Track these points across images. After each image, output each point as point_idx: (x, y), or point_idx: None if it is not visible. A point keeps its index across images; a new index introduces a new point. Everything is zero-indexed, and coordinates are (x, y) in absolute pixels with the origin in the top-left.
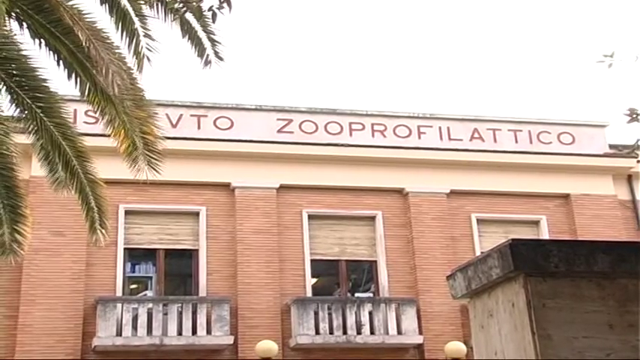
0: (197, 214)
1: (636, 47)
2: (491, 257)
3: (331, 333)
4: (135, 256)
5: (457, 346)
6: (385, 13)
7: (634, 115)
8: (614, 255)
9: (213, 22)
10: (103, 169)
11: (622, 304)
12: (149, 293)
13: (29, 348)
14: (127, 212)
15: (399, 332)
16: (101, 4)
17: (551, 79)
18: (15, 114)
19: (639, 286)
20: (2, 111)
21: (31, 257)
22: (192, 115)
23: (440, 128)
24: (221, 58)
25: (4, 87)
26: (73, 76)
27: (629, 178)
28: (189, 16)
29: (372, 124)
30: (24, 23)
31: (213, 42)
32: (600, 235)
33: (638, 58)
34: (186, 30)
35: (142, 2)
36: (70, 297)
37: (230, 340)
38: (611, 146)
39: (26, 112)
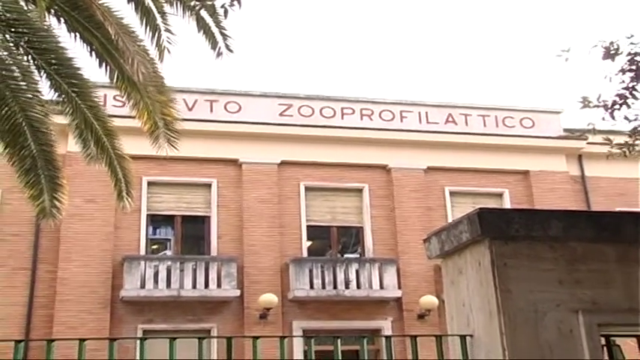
0: (209, 185)
1: (589, 43)
2: (461, 223)
3: (323, 288)
4: (156, 221)
5: (430, 299)
6: (371, 13)
7: (586, 103)
8: (565, 222)
9: (225, 17)
10: (129, 145)
11: (570, 263)
12: (168, 253)
13: (67, 298)
14: (150, 183)
15: (381, 287)
16: (128, 3)
17: (515, 71)
18: (53, 98)
19: (585, 249)
20: (43, 95)
21: (67, 221)
22: (205, 100)
23: (419, 113)
24: (231, 50)
25: (45, 74)
26: (104, 65)
27: (580, 158)
28: (203, 12)
29: (361, 109)
30: (61, 19)
31: (224, 36)
32: (554, 206)
33: (590, 53)
34: (201, 25)
35: (163, 0)
36: (100, 255)
37: (237, 293)
38: (565, 130)
39: (63, 96)
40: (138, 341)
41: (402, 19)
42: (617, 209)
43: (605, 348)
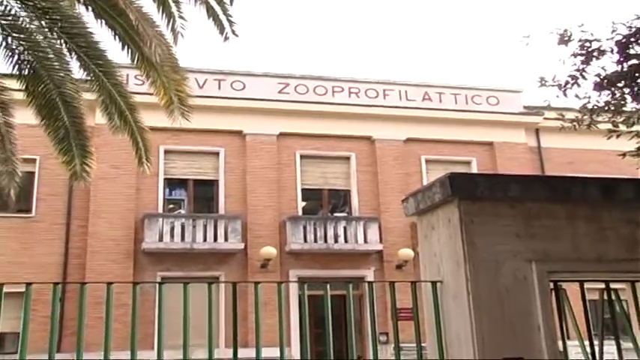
0: (217, 153)
1: (546, 30)
2: (434, 186)
3: (315, 242)
4: (171, 184)
5: (407, 252)
6: (359, 3)
7: (543, 83)
8: (522, 185)
9: (231, 5)
10: (148, 118)
11: (526, 220)
12: (182, 211)
13: (96, 249)
14: (166, 151)
15: (365, 241)
16: None
17: (483, 54)
18: (83, 77)
19: (539, 208)
20: (73, 74)
21: (95, 183)
22: (214, 79)
23: (399, 91)
24: (237, 35)
25: (75, 56)
26: (126, 48)
27: (537, 131)
28: (212, 1)
29: (349, 87)
30: (89, 7)
31: (230, 22)
32: (514, 172)
33: (546, 39)
34: (210, 12)
35: None
36: (124, 213)
37: (241, 246)
38: (524, 107)
39: (91, 75)
40: (157, 285)
41: (388, 9)
42: (567, 175)
43: (552, 291)
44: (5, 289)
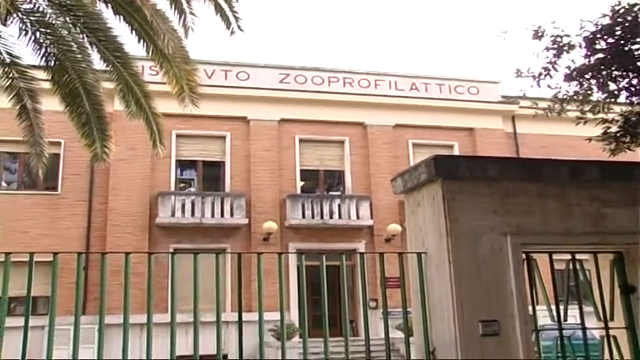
0: (224, 137)
1: (522, 27)
2: (420, 167)
3: (312, 217)
4: (182, 165)
5: (395, 227)
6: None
7: (518, 74)
8: (499, 166)
9: (237, 1)
10: (161, 105)
11: (503, 198)
12: (192, 189)
13: (115, 223)
14: (178, 135)
15: (358, 217)
16: None
17: (465, 48)
18: (103, 68)
19: (514, 187)
20: (94, 65)
21: (114, 164)
22: (221, 70)
23: (389, 81)
24: (242, 29)
25: (96, 49)
26: (141, 41)
27: (513, 118)
28: None
29: (344, 78)
30: (108, 4)
31: (236, 18)
32: (492, 155)
33: (522, 34)
34: (218, 9)
35: None
36: (140, 191)
37: (245, 221)
38: (502, 96)
39: (110, 66)
40: (170, 256)
41: (382, 6)
42: (539, 157)
43: (524, 262)
44: (35, 258)
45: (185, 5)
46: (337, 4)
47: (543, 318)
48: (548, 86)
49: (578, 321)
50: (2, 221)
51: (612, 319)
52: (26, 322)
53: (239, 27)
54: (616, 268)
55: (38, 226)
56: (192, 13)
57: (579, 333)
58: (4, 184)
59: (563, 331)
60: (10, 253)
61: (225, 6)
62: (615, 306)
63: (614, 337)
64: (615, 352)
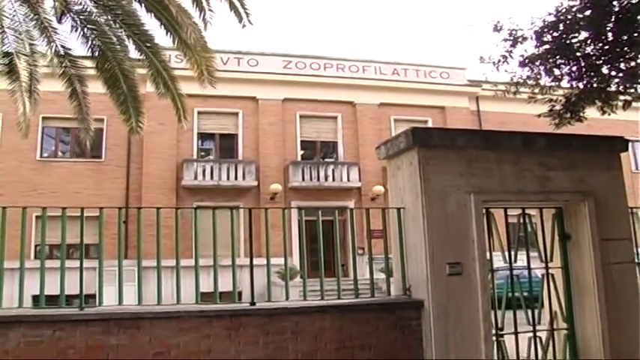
0: (237, 114)
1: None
2: (400, 137)
3: (311, 180)
4: (203, 137)
5: (379, 188)
6: None
7: (482, 61)
8: (466, 137)
9: None
10: (185, 87)
11: (468, 163)
12: (211, 157)
13: (149, 185)
14: (199, 112)
15: (348, 180)
16: None
17: (438, 39)
18: (137, 56)
19: (478, 154)
20: (130, 54)
21: (147, 136)
22: (234, 57)
23: (375, 67)
24: (252, 23)
25: (131, 41)
26: (169, 34)
27: (477, 99)
28: None
29: (337, 64)
30: (142, 3)
31: (247, 13)
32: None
33: (484, 27)
34: (232, 6)
35: None
36: (169, 158)
37: (255, 183)
38: (468, 80)
39: (143, 55)
40: (193, 211)
41: (374, 3)
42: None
43: (485, 215)
44: (86, 213)
45: (204, 3)
46: (336, 3)
47: (498, 261)
48: (506, 71)
49: (526, 263)
50: (61, 183)
51: (552, 260)
52: (81, 263)
53: (249, 21)
54: (556, 220)
55: (87, 187)
56: (210, 10)
57: (526, 273)
58: (60, 153)
59: (514, 271)
60: (65, 208)
61: (237, 4)
62: (554, 250)
63: (552, 275)
64: (552, 285)
